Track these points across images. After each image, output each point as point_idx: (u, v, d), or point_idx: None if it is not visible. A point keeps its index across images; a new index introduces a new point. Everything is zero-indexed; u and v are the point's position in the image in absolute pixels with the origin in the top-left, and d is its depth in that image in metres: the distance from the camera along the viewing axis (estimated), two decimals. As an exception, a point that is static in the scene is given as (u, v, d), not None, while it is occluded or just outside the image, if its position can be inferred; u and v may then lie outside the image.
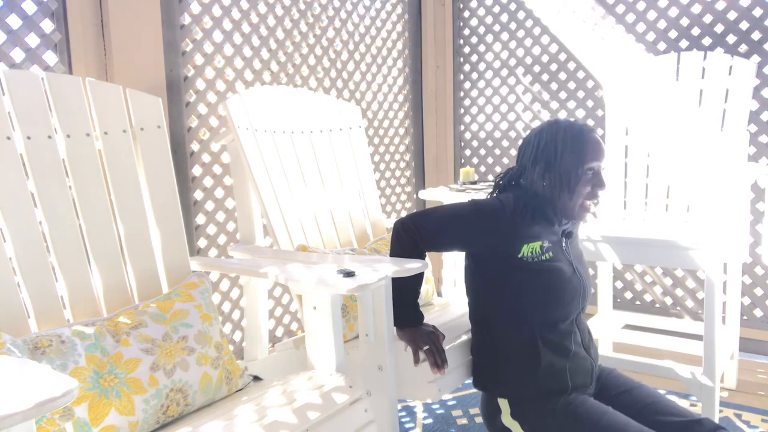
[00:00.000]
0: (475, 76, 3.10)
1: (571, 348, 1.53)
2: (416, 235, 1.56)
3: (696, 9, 2.49)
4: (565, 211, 1.54)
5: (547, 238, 1.53)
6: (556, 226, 1.56)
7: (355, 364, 1.49)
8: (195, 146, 2.09)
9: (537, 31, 2.87)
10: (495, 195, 1.61)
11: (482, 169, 3.14)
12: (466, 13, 3.09)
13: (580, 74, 2.77)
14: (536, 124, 2.38)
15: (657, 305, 2.70)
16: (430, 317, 1.82)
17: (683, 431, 1.42)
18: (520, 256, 1.50)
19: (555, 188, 1.53)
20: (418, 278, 1.58)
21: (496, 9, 2.99)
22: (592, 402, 1.49)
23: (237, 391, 1.42)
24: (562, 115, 2.82)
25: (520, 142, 1.65)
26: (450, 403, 2.26)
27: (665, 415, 1.47)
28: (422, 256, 1.58)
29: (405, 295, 1.56)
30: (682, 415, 1.46)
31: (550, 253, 1.52)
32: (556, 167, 1.52)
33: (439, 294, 2.23)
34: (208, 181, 2.14)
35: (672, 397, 1.73)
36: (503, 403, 1.53)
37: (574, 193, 1.52)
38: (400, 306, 1.52)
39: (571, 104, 2.81)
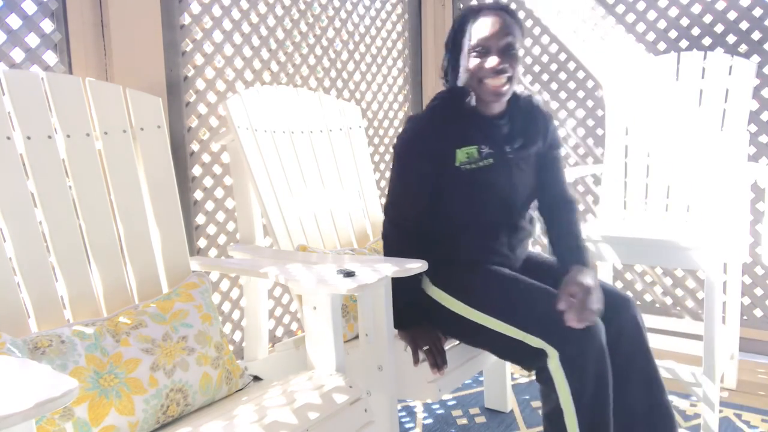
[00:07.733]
0: (475, 76, 3.10)
1: (494, 248, 1.57)
2: (401, 223, 1.56)
3: (696, 9, 2.49)
4: (475, 95, 1.52)
5: (485, 143, 1.52)
6: (488, 128, 1.54)
7: (355, 364, 1.49)
8: (195, 146, 2.09)
9: (537, 31, 2.87)
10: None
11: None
12: (466, 13, 3.09)
13: (580, 74, 2.77)
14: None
15: (657, 305, 2.70)
16: (430, 317, 1.82)
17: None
18: (457, 164, 1.50)
19: (452, 73, 1.54)
20: (418, 278, 1.58)
21: (496, 9, 2.99)
22: (506, 270, 1.55)
23: (237, 391, 1.42)
24: (562, 114, 2.82)
25: None
26: (450, 403, 2.26)
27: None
28: (417, 250, 1.57)
29: (406, 295, 1.56)
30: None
31: (491, 160, 1.52)
32: (450, 51, 1.56)
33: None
34: (208, 181, 2.14)
35: (672, 397, 1.73)
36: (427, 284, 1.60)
37: (464, 71, 1.51)
38: (401, 307, 1.52)
39: (571, 104, 2.80)
